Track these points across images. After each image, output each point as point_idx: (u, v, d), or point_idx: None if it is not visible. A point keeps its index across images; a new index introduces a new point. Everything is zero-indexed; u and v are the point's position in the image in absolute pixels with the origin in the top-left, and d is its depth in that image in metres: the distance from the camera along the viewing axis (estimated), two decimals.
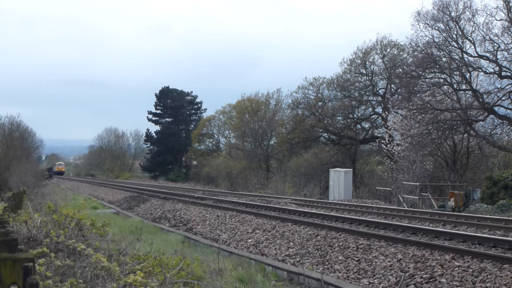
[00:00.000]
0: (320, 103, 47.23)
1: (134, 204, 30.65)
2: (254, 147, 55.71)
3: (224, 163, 54.96)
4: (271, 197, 29.98)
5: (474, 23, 30.04)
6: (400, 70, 35.37)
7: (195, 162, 69.96)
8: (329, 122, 47.66)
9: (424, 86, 31.72)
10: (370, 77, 44.64)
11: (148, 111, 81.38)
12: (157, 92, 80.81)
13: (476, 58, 30.48)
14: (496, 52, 29.52)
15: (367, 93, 45.82)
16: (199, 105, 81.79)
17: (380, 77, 44.73)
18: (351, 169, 35.44)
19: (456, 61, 30.60)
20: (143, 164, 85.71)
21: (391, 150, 34.83)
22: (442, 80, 31.17)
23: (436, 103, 31.13)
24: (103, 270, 6.82)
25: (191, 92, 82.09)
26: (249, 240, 15.26)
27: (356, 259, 11.52)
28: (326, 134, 48.82)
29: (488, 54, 30.05)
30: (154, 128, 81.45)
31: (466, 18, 30.31)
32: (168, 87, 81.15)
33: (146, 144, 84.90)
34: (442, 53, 31.16)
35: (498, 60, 29.45)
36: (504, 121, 30.47)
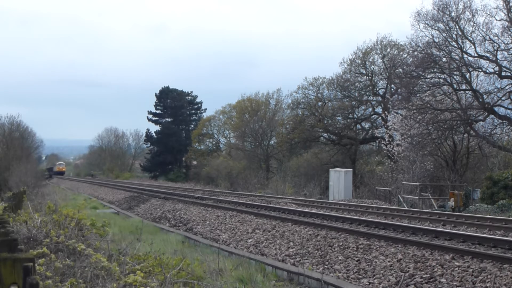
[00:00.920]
0: (320, 103, 47.24)
1: (134, 204, 30.64)
2: (254, 147, 55.70)
3: (224, 163, 54.95)
4: (271, 197, 29.97)
5: (474, 23, 30.07)
6: (400, 70, 35.36)
7: (195, 162, 69.95)
8: (329, 122, 47.66)
9: (424, 86, 31.72)
10: (370, 77, 44.64)
11: (148, 111, 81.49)
12: (157, 92, 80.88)
13: (476, 58, 30.48)
14: (496, 52, 29.52)
15: (367, 93, 45.82)
16: (199, 105, 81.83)
17: (380, 77, 44.75)
18: (351, 169, 35.44)
19: (456, 61, 30.59)
20: (143, 164, 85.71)
21: (391, 150, 34.82)
22: (442, 80, 31.17)
23: (436, 103, 31.12)
24: (103, 270, 6.82)
25: (191, 92, 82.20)
26: (249, 240, 15.26)
27: (356, 259, 11.52)
28: (326, 134, 48.82)
29: (488, 54, 30.06)
30: (154, 128, 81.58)
31: (466, 18, 30.33)
32: (168, 87, 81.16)
33: (146, 144, 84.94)
34: (442, 53, 31.15)
35: (498, 60, 29.45)
36: (504, 121, 30.46)
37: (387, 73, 42.71)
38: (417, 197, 27.27)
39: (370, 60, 44.45)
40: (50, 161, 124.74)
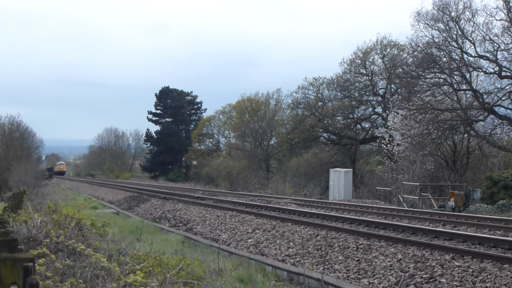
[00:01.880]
0: (320, 103, 47.22)
1: (134, 204, 30.64)
2: (254, 147, 55.70)
3: (224, 163, 54.94)
4: (271, 197, 29.97)
5: (474, 23, 30.06)
6: (400, 70, 35.35)
7: (195, 162, 69.94)
8: (329, 122, 47.64)
9: (424, 86, 31.72)
10: (370, 77, 44.63)
11: (148, 111, 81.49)
12: (157, 92, 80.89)
13: (476, 58, 30.47)
14: (496, 52, 29.52)
15: (367, 93, 45.81)
16: (199, 105, 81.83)
17: (380, 77, 44.73)
18: (351, 169, 35.43)
19: (456, 61, 30.59)
20: (143, 164, 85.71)
21: (391, 150, 34.82)
22: (442, 80, 31.16)
23: (436, 103, 31.12)
24: (103, 270, 6.82)
25: (191, 92, 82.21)
26: (249, 240, 15.26)
27: (356, 259, 11.52)
28: (326, 134, 48.80)
29: (488, 54, 30.06)
30: (154, 128, 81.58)
31: (466, 18, 30.32)
32: (168, 87, 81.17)
33: (146, 144, 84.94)
34: (442, 53, 31.15)
35: (498, 60, 29.44)
36: (504, 121, 30.46)
37: (387, 73, 42.70)
38: (417, 197, 27.27)
39: (370, 60, 44.46)
40: (50, 161, 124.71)
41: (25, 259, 3.13)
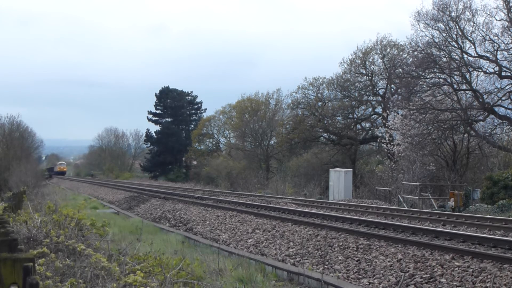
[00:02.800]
0: (320, 103, 47.22)
1: (134, 204, 30.64)
2: (254, 147, 55.70)
3: (224, 163, 54.94)
4: (271, 197, 29.98)
5: (474, 23, 30.07)
6: (400, 70, 35.34)
7: (195, 162, 69.94)
8: (329, 122, 47.64)
9: (424, 86, 31.72)
10: (370, 77, 44.63)
11: (148, 111, 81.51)
12: (157, 92, 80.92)
13: (476, 58, 30.48)
14: (496, 52, 29.53)
15: (367, 93, 45.81)
16: (199, 105, 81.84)
17: (380, 77, 44.73)
18: (351, 169, 35.43)
19: (456, 61, 30.59)
20: (143, 164, 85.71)
21: (391, 150, 34.82)
22: (442, 80, 31.16)
23: (436, 103, 31.11)
24: (103, 270, 6.82)
25: (191, 92, 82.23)
26: (249, 240, 15.26)
27: (356, 259, 11.52)
28: (326, 134, 48.81)
29: (488, 54, 30.06)
30: (154, 128, 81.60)
31: (466, 18, 30.33)
32: (168, 87, 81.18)
33: (146, 144, 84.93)
34: (442, 53, 31.15)
35: (498, 60, 29.45)
36: (504, 121, 30.46)
37: (387, 73, 42.69)
38: (417, 197, 27.27)
39: (370, 60, 44.46)
40: (50, 161, 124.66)
41: (25, 259, 3.13)
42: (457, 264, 9.95)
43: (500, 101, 30.22)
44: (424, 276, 9.69)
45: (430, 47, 31.17)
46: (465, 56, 30.61)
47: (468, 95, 31.90)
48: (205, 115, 76.38)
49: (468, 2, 30.12)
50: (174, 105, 79.12)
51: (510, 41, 29.04)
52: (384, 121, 39.77)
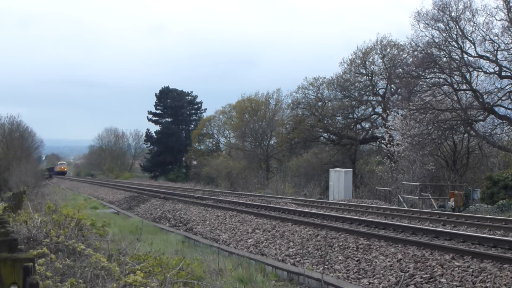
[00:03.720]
0: (320, 103, 47.22)
1: (134, 204, 30.64)
2: (254, 147, 55.70)
3: (224, 163, 54.95)
4: (271, 197, 29.98)
5: (474, 23, 30.06)
6: (400, 70, 35.34)
7: (195, 162, 69.95)
8: (329, 122, 47.65)
9: (424, 86, 31.72)
10: (370, 77, 44.64)
11: (148, 111, 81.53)
12: (157, 92, 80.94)
13: (476, 58, 30.48)
14: (496, 52, 29.52)
15: (367, 93, 45.82)
16: (199, 105, 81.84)
17: (380, 77, 44.73)
18: (351, 169, 35.43)
19: (456, 61, 30.58)
20: (143, 164, 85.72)
21: (391, 150, 34.82)
22: (442, 80, 31.16)
23: (436, 103, 31.11)
24: (103, 270, 6.82)
25: (191, 92, 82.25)
26: (249, 240, 15.26)
27: (356, 259, 11.52)
28: (326, 134, 48.81)
29: (488, 54, 30.06)
30: (154, 128, 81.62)
31: (466, 18, 30.33)
32: (168, 87, 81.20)
33: (146, 144, 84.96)
34: (442, 53, 31.15)
35: (498, 60, 29.45)
36: (504, 121, 30.46)
37: (387, 73, 42.70)
38: (417, 197, 27.27)
39: (370, 60, 44.47)
40: (50, 161, 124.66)
41: (25, 259, 3.13)
42: (457, 264, 9.95)
43: (500, 101, 30.22)
44: (424, 276, 9.69)
45: (430, 47, 31.17)
46: (465, 56, 30.62)
47: (468, 95, 31.90)
48: (205, 115, 76.51)
49: (468, 2, 30.15)
50: (174, 105, 79.12)
51: (510, 41, 29.05)
52: (384, 121, 39.77)
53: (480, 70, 30.60)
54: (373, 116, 46.34)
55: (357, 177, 38.94)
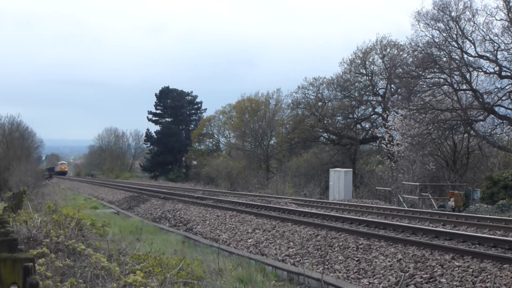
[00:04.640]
0: (320, 103, 47.22)
1: (134, 204, 30.64)
2: (254, 147, 55.71)
3: (224, 163, 54.96)
4: (271, 197, 29.97)
5: (474, 23, 30.05)
6: (400, 70, 35.34)
7: (195, 162, 69.96)
8: (329, 122, 47.66)
9: (424, 86, 31.70)
10: (370, 77, 44.65)
11: (148, 111, 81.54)
12: (157, 92, 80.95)
13: (476, 58, 30.47)
14: (496, 52, 29.52)
15: (367, 93, 45.82)
16: (199, 105, 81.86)
17: (380, 77, 44.74)
18: (351, 169, 35.43)
19: (456, 61, 30.58)
20: (143, 164, 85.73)
21: (391, 150, 34.82)
22: (442, 80, 31.15)
23: (436, 103, 31.11)
24: (103, 270, 6.82)
25: (191, 92, 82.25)
26: (249, 240, 15.26)
27: (356, 259, 11.52)
28: (326, 134, 48.82)
29: (488, 54, 30.05)
30: (154, 128, 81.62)
31: (466, 18, 30.31)
32: (168, 87, 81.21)
33: (146, 144, 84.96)
34: (442, 53, 31.13)
35: (498, 60, 29.44)
36: (504, 121, 30.46)
37: (387, 73, 42.70)
38: (417, 197, 27.27)
39: (370, 60, 44.48)
40: (50, 161, 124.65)
41: (25, 259, 3.13)
42: (457, 264, 9.95)
43: (500, 101, 30.22)
44: (424, 276, 9.69)
45: (430, 47, 31.16)
46: (465, 56, 30.61)
47: (468, 95, 31.90)
48: (205, 115, 76.49)
49: (468, 2, 30.13)
50: (174, 105, 79.13)
51: (510, 41, 29.04)
52: (384, 121, 39.77)
53: (480, 70, 30.60)
54: (373, 116, 46.35)
55: (357, 177, 38.94)
